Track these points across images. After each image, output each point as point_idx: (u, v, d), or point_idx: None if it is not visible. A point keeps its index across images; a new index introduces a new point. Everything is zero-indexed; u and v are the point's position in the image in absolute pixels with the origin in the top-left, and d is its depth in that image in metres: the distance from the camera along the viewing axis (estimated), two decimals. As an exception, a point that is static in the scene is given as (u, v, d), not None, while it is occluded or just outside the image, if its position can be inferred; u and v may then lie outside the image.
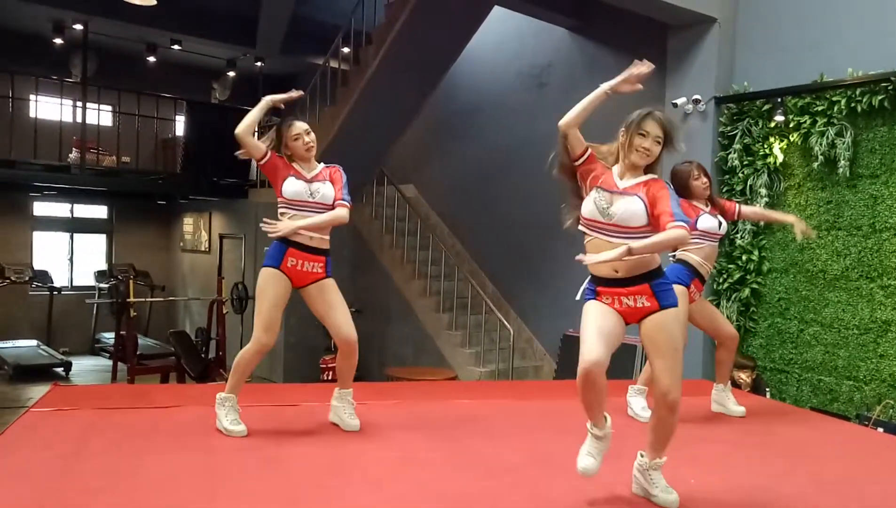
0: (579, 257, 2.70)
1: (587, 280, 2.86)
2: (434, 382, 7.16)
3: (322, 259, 3.58)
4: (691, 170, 4.12)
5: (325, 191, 3.56)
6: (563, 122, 2.78)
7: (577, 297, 2.85)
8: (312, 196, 3.54)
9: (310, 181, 3.56)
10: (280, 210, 3.58)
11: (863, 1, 5.96)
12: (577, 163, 2.81)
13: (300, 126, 3.61)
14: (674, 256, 4.14)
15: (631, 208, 2.70)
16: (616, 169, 2.83)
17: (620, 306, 2.76)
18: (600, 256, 2.63)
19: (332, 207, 3.57)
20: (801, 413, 4.90)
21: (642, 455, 2.85)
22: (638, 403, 4.16)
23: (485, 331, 8.83)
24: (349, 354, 3.64)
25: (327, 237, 3.61)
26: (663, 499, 2.78)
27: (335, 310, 3.60)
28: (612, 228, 2.72)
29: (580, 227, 2.84)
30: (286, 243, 3.52)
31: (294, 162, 3.62)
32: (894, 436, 4.61)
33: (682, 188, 4.05)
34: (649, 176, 2.80)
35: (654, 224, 2.71)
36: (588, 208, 2.77)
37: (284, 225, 3.48)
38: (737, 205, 4.38)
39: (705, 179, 4.15)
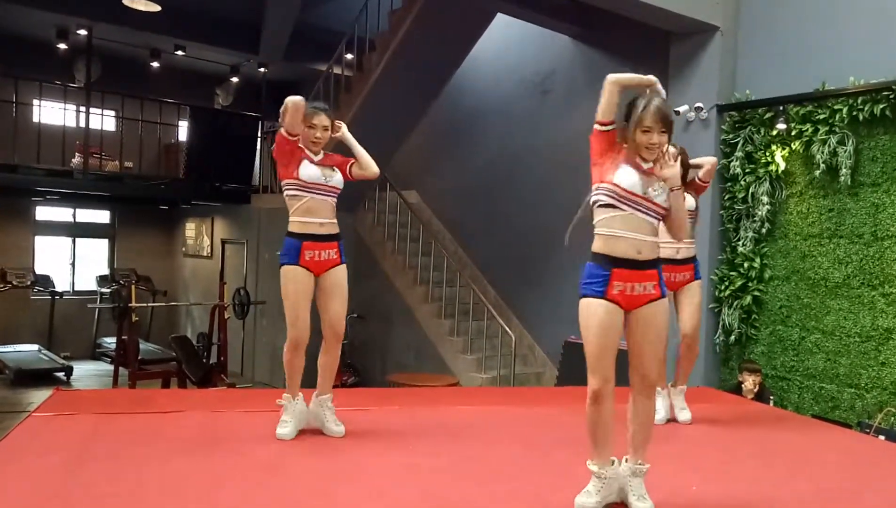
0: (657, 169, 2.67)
1: (590, 266, 2.69)
2: (435, 388, 7.16)
3: (335, 245, 3.63)
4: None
5: (337, 177, 3.63)
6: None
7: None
8: (327, 181, 3.59)
9: (320, 165, 3.61)
10: (290, 193, 3.59)
11: (864, 10, 5.98)
12: (605, 128, 2.72)
13: (321, 119, 3.59)
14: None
15: (662, 187, 2.68)
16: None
17: (631, 293, 2.63)
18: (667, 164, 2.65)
19: (340, 191, 3.64)
20: (802, 421, 4.90)
21: (626, 461, 2.78)
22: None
23: (486, 337, 8.83)
24: (333, 346, 3.66)
25: (336, 221, 3.65)
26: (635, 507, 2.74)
27: (335, 299, 3.64)
28: (648, 204, 2.66)
29: (602, 198, 2.67)
30: (299, 237, 3.55)
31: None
32: (895, 444, 4.60)
33: None
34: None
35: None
36: (630, 179, 2.64)
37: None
38: None
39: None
